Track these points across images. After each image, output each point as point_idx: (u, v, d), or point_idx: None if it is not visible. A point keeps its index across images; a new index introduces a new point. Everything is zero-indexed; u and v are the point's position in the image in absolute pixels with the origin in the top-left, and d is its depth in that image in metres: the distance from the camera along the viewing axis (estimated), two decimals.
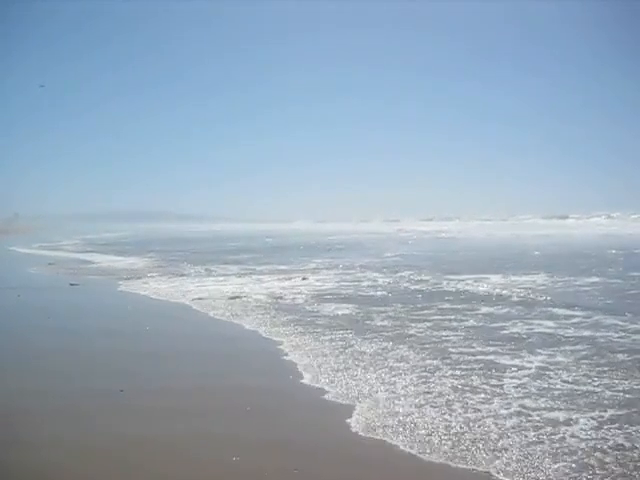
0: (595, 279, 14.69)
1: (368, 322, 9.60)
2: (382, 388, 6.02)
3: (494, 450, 4.48)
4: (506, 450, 4.47)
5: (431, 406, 5.47)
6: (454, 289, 13.44)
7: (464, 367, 6.80)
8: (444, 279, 15.15)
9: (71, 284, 14.68)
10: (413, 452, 4.51)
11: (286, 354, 7.57)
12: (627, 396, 5.67)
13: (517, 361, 7.02)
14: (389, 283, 14.79)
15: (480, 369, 6.70)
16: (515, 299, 11.80)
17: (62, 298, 13.42)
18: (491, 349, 7.64)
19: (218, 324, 9.87)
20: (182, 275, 17.16)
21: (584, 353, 7.30)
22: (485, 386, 6.07)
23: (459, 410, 5.35)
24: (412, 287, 14.04)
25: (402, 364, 6.90)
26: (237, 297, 12.17)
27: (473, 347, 7.78)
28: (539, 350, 7.49)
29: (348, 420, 5.15)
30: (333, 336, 8.49)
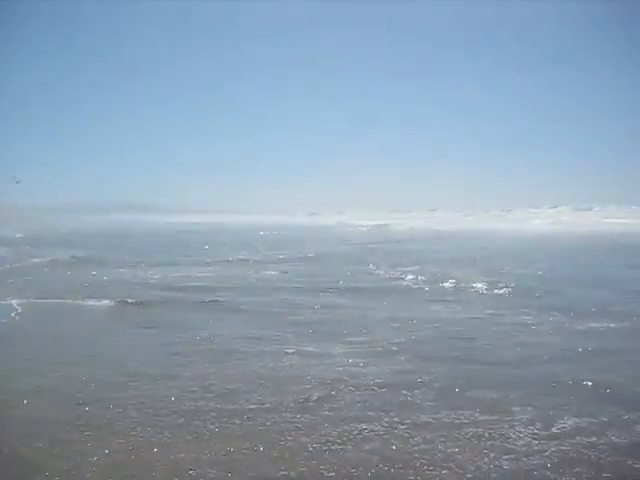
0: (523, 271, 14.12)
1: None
2: None
3: None
4: None
5: None
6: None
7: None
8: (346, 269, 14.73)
9: None
10: None
11: None
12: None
13: (259, 348, 6.51)
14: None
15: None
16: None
17: None
18: (251, 335, 7.11)
19: None
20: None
21: (355, 345, 6.71)
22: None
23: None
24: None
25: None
26: None
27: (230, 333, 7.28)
28: (313, 340, 6.92)
29: None
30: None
